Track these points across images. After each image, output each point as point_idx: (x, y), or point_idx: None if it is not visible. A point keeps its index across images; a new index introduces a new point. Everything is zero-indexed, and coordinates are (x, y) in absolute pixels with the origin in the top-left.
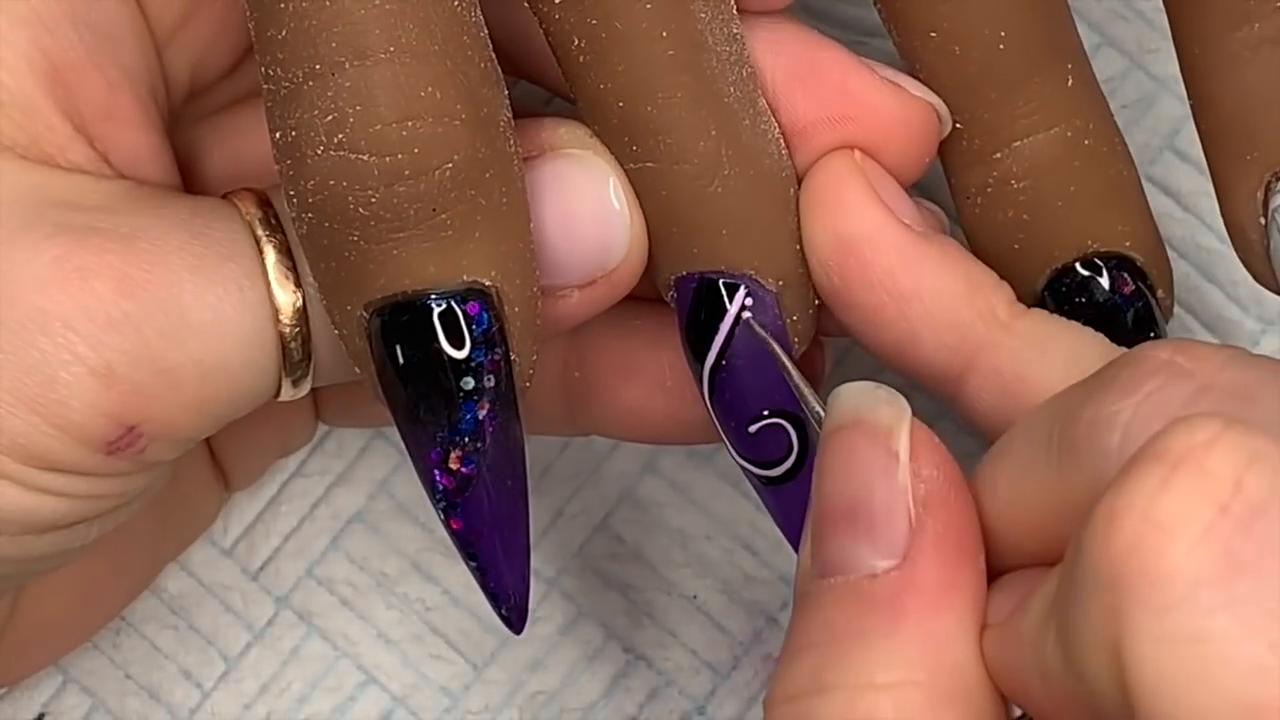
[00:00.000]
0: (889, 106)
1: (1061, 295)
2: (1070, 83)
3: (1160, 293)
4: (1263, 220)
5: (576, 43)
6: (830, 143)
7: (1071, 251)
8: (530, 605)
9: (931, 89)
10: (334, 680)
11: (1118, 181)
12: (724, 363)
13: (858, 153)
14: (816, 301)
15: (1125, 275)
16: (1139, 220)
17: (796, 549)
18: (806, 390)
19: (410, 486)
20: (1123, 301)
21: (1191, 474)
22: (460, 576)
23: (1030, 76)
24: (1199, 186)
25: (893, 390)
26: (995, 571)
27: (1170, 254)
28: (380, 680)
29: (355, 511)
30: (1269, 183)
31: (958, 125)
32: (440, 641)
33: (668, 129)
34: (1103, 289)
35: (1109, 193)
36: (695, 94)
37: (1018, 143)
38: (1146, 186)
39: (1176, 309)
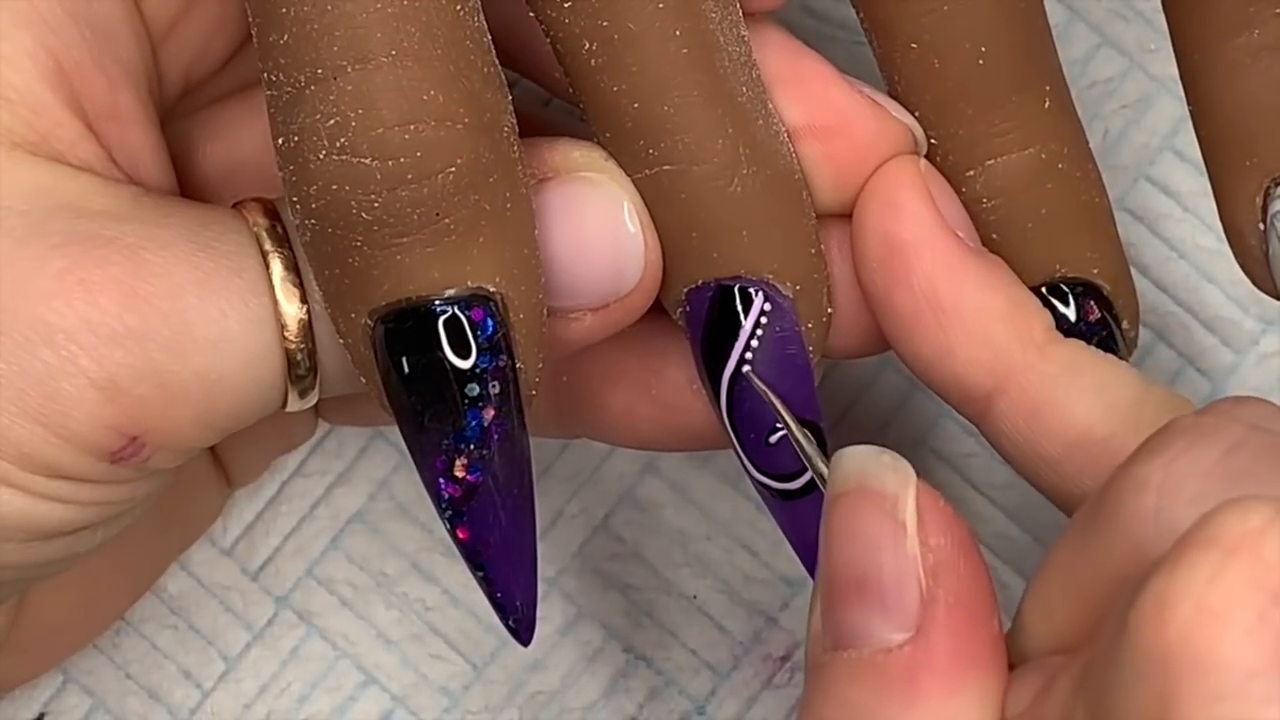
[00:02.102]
0: (868, 124)
1: None
2: (1047, 105)
3: (1125, 324)
4: (1262, 226)
5: (587, 46)
6: (811, 153)
7: (1039, 274)
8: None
9: (909, 102)
10: (334, 680)
11: (1089, 208)
12: (744, 370)
13: (923, 161)
14: (830, 310)
15: (1091, 302)
16: (1108, 249)
17: (812, 573)
18: (809, 448)
19: (410, 486)
20: (1086, 329)
21: (1246, 561)
22: (460, 576)
23: (1008, 95)
24: (1199, 187)
25: (896, 454)
26: (1013, 663)
27: (1170, 254)
28: (380, 680)
29: (355, 511)
30: (1268, 188)
31: (932, 141)
32: (440, 641)
33: (685, 128)
34: (1068, 316)
35: (1080, 218)
36: (710, 93)
37: (991, 161)
38: (1146, 187)
39: (1177, 309)
